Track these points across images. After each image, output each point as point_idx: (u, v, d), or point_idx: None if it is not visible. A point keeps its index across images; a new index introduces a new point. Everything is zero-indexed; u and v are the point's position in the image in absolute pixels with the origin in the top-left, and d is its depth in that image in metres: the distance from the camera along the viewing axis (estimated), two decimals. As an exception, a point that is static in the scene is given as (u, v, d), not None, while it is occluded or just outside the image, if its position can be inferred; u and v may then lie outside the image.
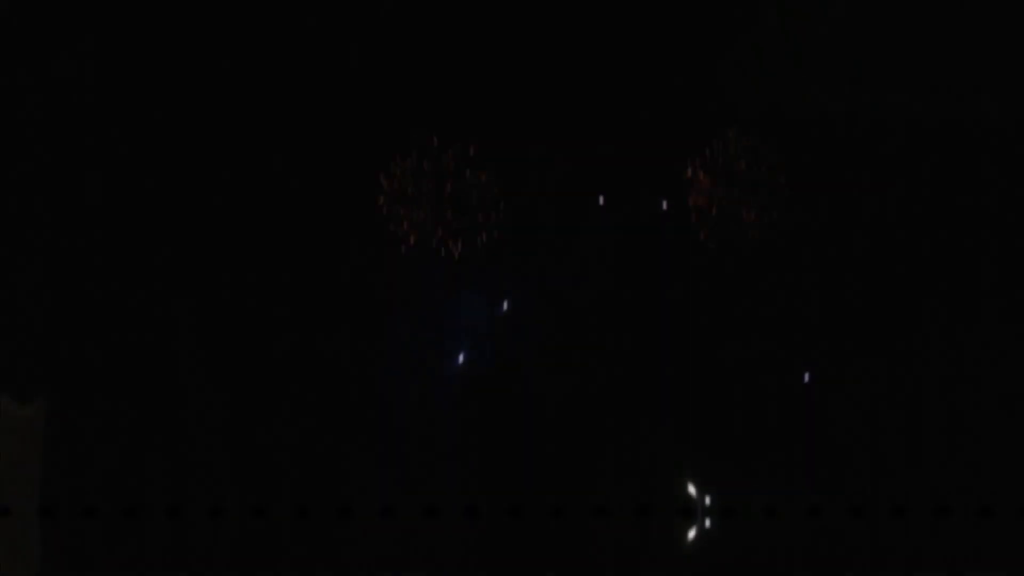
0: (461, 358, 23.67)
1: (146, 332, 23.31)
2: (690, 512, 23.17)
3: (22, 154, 23.44)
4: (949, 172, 24.11)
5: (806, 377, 23.70)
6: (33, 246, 23.30)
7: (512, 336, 23.82)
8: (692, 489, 23.25)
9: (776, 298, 23.97)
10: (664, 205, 23.96)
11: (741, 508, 23.05)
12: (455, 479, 23.26)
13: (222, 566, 22.73)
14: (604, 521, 22.95)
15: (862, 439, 23.51)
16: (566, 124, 24.11)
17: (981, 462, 23.28)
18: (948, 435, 23.51)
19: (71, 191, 23.47)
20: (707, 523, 23.09)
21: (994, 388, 23.55)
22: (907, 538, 22.93)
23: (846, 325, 23.89)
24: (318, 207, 23.78)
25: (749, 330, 23.93)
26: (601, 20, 24.41)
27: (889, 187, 24.08)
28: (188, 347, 23.33)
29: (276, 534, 22.86)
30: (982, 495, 22.90)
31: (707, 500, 23.18)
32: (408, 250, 23.60)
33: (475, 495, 23.04)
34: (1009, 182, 24.02)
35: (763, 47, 24.36)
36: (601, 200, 24.14)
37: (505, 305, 23.89)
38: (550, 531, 22.97)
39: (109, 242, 23.49)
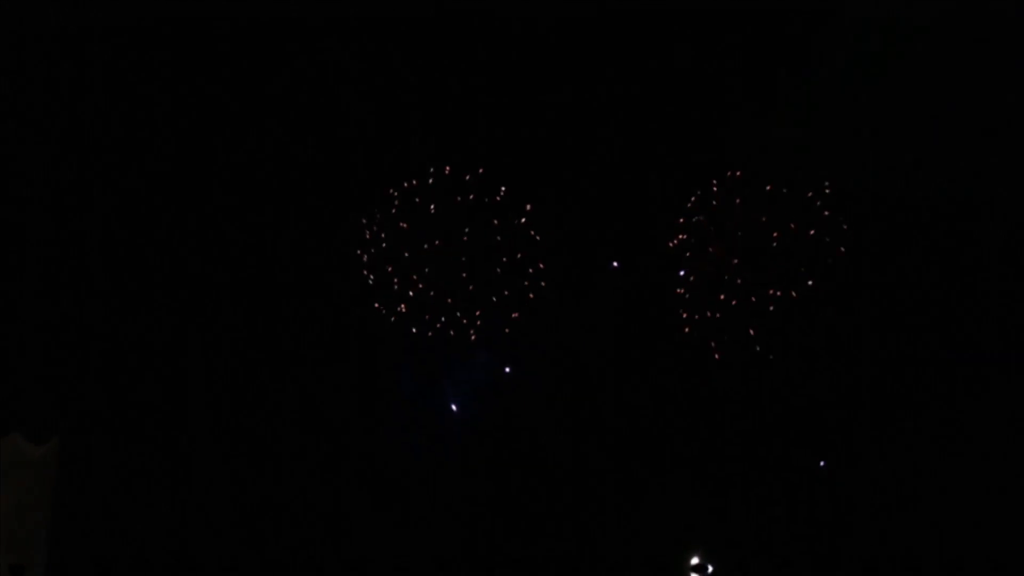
0: (454, 407, 23.65)
1: (159, 382, 23.61)
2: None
3: (39, 204, 23.71)
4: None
5: (822, 463, 23.70)
6: (52, 293, 23.54)
7: (523, 400, 23.86)
8: (696, 559, 23.40)
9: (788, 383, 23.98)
10: (681, 273, 23.80)
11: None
12: (469, 537, 23.45)
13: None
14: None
15: (872, 519, 23.59)
16: (582, 186, 24.14)
17: (986, 534, 23.29)
18: (954, 513, 23.55)
19: (88, 244, 23.69)
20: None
21: (997, 470, 23.54)
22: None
23: (857, 410, 23.88)
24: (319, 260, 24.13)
25: (761, 405, 23.96)
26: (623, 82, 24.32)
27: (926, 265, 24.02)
28: (197, 402, 23.62)
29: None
30: (991, 565, 23.00)
31: (710, 569, 23.34)
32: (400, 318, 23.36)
33: (487, 552, 23.32)
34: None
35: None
36: (615, 264, 24.10)
37: (509, 368, 23.91)
38: None
39: (126, 300, 23.76)
